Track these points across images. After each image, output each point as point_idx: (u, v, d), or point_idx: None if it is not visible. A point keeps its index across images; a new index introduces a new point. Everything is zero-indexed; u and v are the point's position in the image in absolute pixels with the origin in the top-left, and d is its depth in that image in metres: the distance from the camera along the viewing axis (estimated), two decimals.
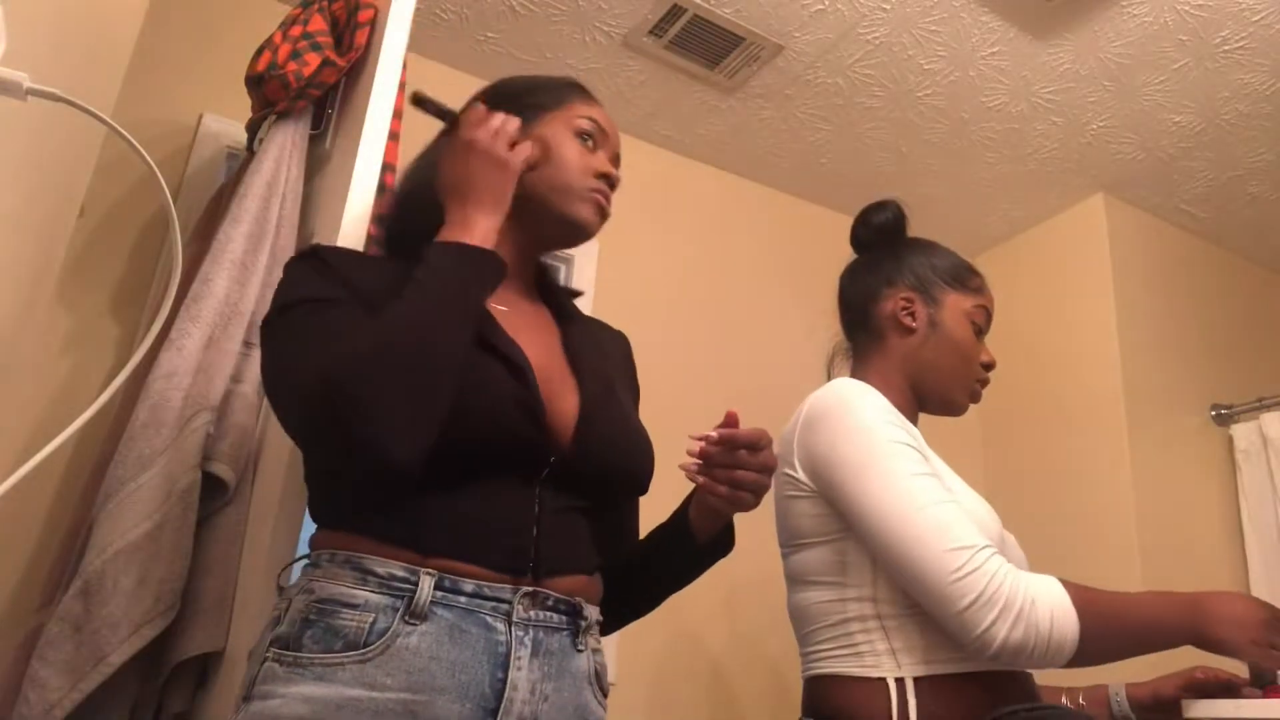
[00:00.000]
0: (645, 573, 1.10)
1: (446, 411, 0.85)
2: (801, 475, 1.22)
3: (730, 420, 0.95)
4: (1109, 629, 1.06)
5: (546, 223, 1.08)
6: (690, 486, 1.06)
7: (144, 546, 1.26)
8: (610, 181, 1.10)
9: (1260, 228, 2.86)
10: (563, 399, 0.98)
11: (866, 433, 1.16)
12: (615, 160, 1.13)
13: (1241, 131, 2.44)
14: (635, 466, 1.02)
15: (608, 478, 1.00)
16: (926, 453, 1.21)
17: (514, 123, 1.03)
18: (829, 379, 1.39)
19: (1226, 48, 2.17)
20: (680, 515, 1.09)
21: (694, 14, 2.17)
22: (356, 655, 0.82)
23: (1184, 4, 2.06)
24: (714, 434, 0.95)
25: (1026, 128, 2.49)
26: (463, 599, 0.87)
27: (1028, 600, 1.02)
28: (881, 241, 1.42)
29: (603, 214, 1.09)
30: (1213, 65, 2.22)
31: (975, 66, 2.29)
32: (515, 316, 1.03)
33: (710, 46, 2.27)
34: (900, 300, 1.34)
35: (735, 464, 0.95)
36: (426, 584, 0.86)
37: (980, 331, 1.35)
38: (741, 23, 2.19)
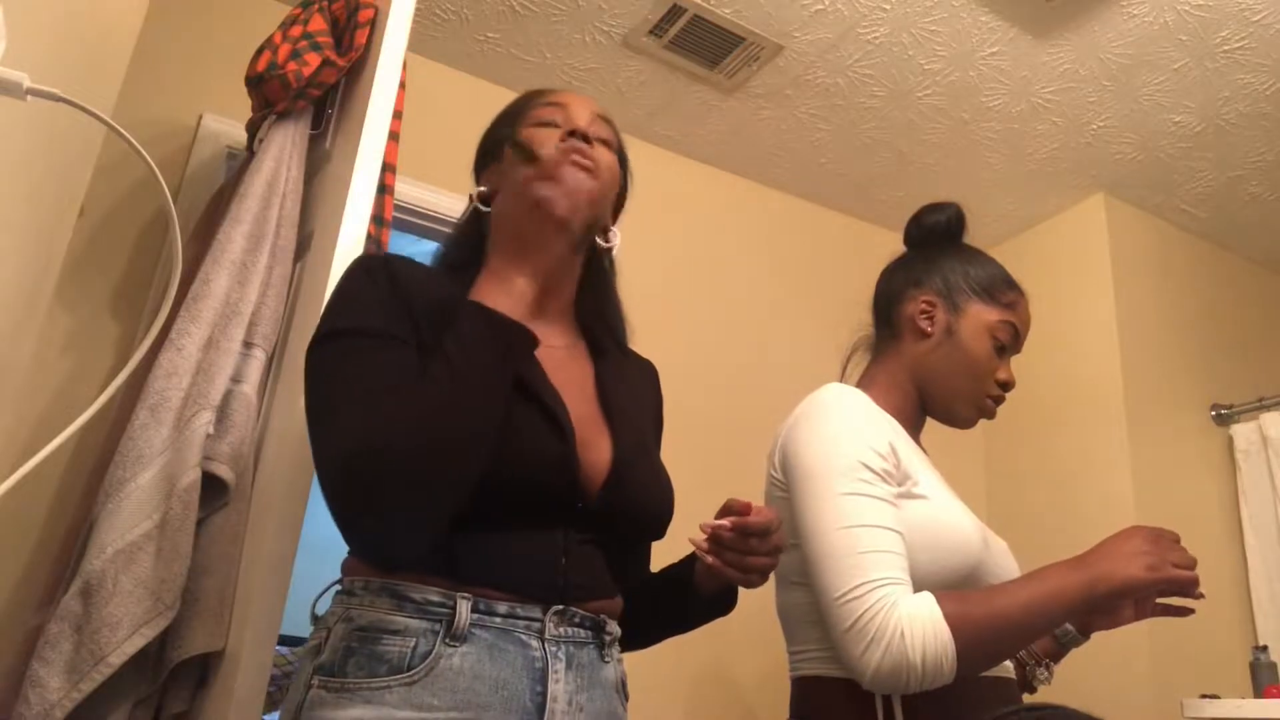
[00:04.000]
0: (649, 615, 1.12)
1: (458, 505, 0.87)
2: (780, 475, 1.23)
3: (743, 509, 0.97)
4: (993, 633, 1.05)
5: (523, 222, 0.98)
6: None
7: (144, 546, 1.26)
8: (581, 136, 1.00)
9: (1260, 228, 2.86)
10: (595, 449, 1.00)
11: (827, 444, 1.16)
12: (593, 121, 1.08)
13: (1241, 131, 2.44)
14: (656, 517, 1.05)
15: (630, 525, 1.03)
16: (905, 465, 1.18)
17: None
18: (844, 371, 1.39)
19: (1226, 48, 2.17)
20: (686, 569, 1.13)
21: (694, 14, 2.17)
22: (403, 678, 0.86)
23: (1184, 4, 2.06)
24: (727, 523, 0.96)
25: (1026, 128, 2.49)
26: (498, 619, 0.90)
27: (896, 633, 1.02)
28: (930, 242, 1.39)
29: (584, 171, 0.98)
30: (1213, 65, 2.22)
31: (975, 66, 2.29)
32: (551, 352, 1.03)
33: (710, 46, 2.27)
34: (922, 303, 1.32)
35: (747, 550, 0.97)
36: (464, 607, 0.89)
37: (1002, 348, 1.30)
38: (741, 23, 2.19)
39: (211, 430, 1.35)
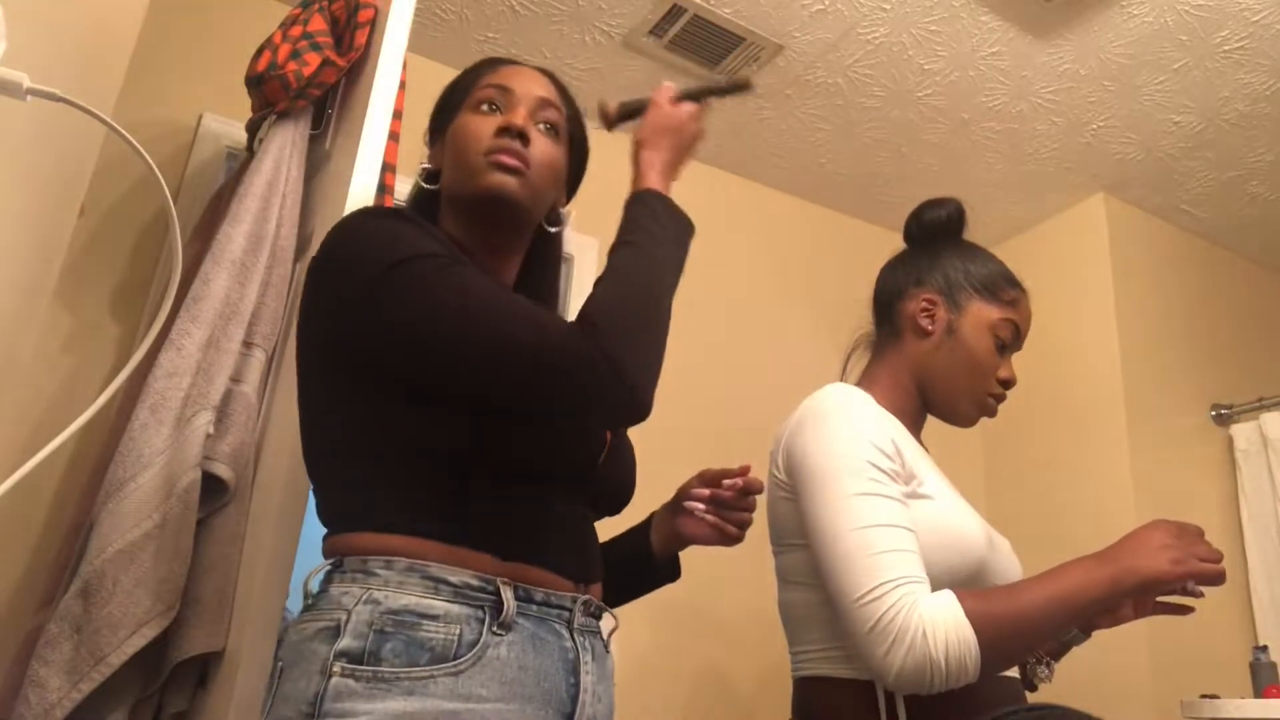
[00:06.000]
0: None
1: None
2: (784, 477, 1.22)
3: (744, 471, 1.06)
4: (1017, 631, 1.04)
5: (468, 207, 1.02)
6: (647, 511, 1.18)
7: (144, 546, 1.26)
8: (515, 134, 0.99)
9: (1260, 228, 2.86)
10: None
11: (834, 444, 1.15)
12: (537, 108, 1.04)
13: (1241, 131, 2.44)
14: (631, 489, 1.08)
15: (617, 496, 1.06)
16: (910, 464, 1.18)
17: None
18: (844, 369, 1.39)
19: (1226, 48, 2.17)
20: (641, 540, 1.16)
21: (694, 14, 2.17)
22: (448, 668, 0.81)
23: (1184, 4, 2.06)
24: (740, 483, 1.06)
25: (1026, 128, 2.49)
26: (534, 608, 0.89)
27: (919, 633, 1.01)
28: (930, 239, 1.38)
29: (511, 171, 0.98)
30: (1213, 65, 2.22)
31: (975, 66, 2.29)
32: None
33: (710, 46, 2.27)
34: (923, 301, 1.31)
35: (745, 507, 1.07)
36: (508, 594, 0.86)
37: (1004, 346, 1.30)
38: (741, 23, 2.19)
39: (211, 430, 1.35)
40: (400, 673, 0.80)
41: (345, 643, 0.81)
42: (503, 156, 0.98)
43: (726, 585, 2.11)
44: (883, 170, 2.72)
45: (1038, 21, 2.14)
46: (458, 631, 0.83)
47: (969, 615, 1.03)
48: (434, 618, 0.82)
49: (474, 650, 0.82)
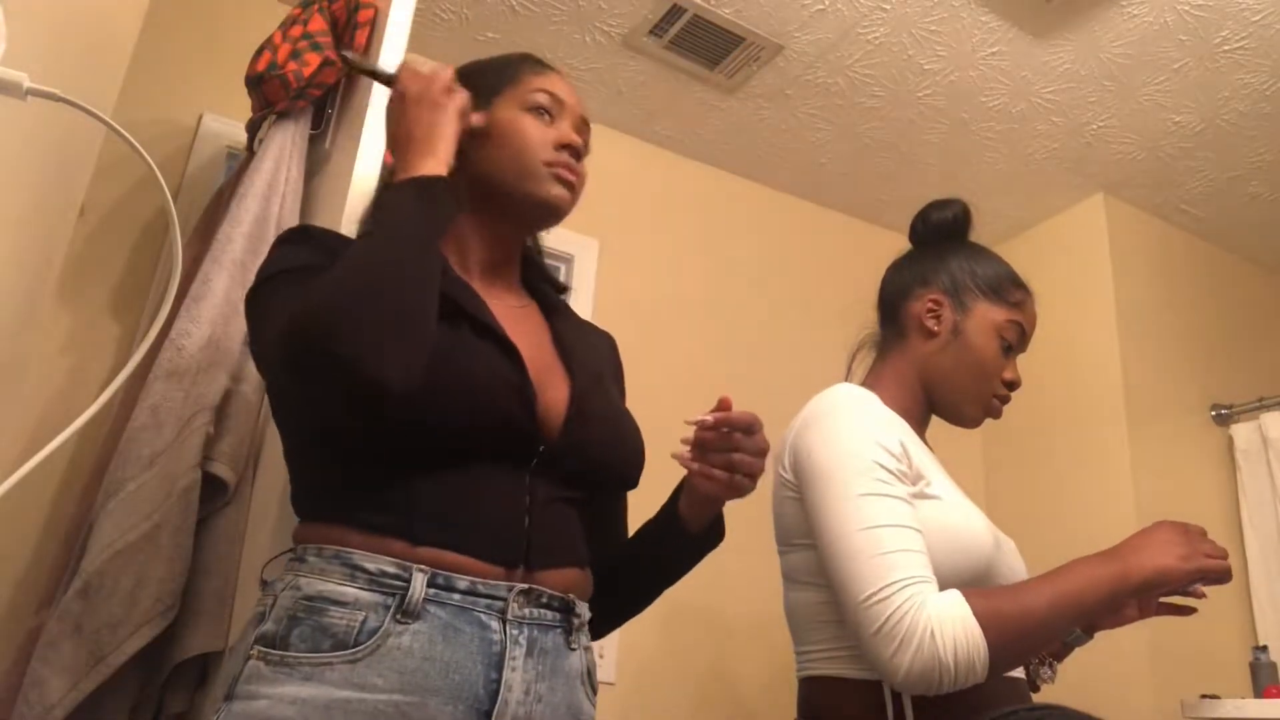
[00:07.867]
0: (636, 569, 1.09)
1: (430, 331, 0.85)
2: (790, 476, 1.22)
3: (724, 405, 0.96)
4: (1025, 630, 1.04)
5: (515, 208, 1.06)
6: (680, 480, 1.08)
7: (144, 546, 1.26)
8: (574, 151, 1.06)
9: (1260, 228, 2.86)
10: (554, 388, 0.98)
11: (841, 444, 1.15)
12: (580, 127, 1.09)
13: (1241, 131, 2.44)
14: (624, 459, 1.02)
15: (596, 470, 1.00)
16: (918, 465, 1.18)
17: (448, 70, 1.01)
18: (849, 369, 1.39)
19: (1226, 48, 2.17)
20: (669, 508, 1.09)
21: (694, 14, 2.17)
22: (346, 655, 0.81)
23: (1184, 4, 2.06)
24: (709, 418, 0.96)
25: (1026, 128, 2.49)
26: (456, 596, 0.85)
27: (927, 633, 1.00)
28: (936, 239, 1.39)
29: (569, 187, 1.05)
30: (1213, 65, 2.22)
31: (975, 66, 2.29)
32: (503, 309, 1.02)
33: (710, 46, 2.27)
34: (929, 302, 1.31)
35: (732, 448, 0.96)
36: (419, 581, 0.84)
37: (1009, 348, 1.30)
38: (741, 23, 2.19)
39: (211, 430, 1.35)
40: (303, 658, 0.81)
41: (265, 627, 0.84)
42: (565, 172, 1.04)
43: (732, 585, 2.11)
44: (883, 170, 2.72)
45: (1038, 21, 2.14)
46: (361, 618, 0.82)
47: (977, 615, 1.02)
48: (342, 604, 0.83)
49: (374, 638, 0.82)
